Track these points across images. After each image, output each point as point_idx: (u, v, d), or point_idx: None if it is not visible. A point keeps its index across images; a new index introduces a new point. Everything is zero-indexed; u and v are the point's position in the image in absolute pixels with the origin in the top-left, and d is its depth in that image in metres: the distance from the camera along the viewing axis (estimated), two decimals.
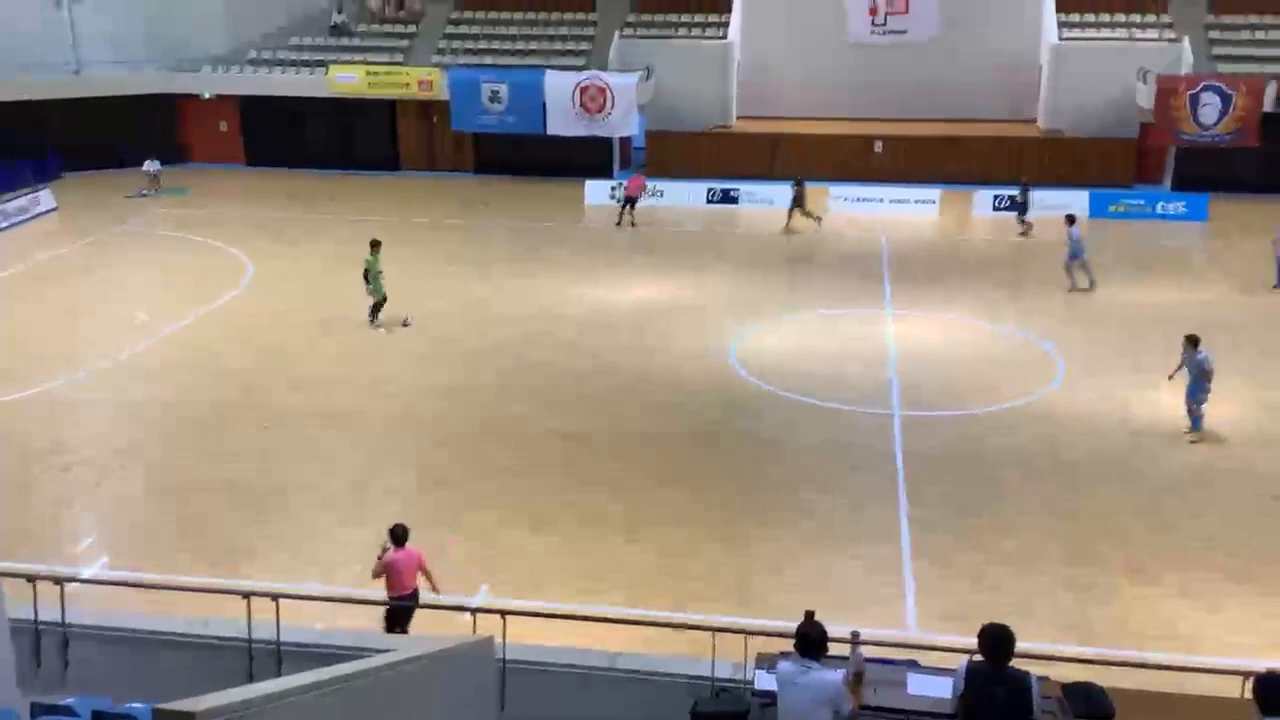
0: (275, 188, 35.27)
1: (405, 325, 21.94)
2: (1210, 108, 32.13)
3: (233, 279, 25.49)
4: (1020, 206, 29.78)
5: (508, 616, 8.90)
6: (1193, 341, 17.00)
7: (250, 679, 8.57)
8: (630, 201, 30.44)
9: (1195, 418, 16.98)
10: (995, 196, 31.86)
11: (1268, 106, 31.93)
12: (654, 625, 11.04)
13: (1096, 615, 12.55)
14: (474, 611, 10.11)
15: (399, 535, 11.30)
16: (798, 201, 29.78)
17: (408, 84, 36.26)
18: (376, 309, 22.10)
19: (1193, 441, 16.77)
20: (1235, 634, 12.14)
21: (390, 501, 14.96)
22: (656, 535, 14.23)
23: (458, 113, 35.46)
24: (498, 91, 34.92)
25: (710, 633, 8.65)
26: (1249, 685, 6.73)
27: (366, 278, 22.04)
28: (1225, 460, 16.35)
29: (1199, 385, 16.88)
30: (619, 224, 30.28)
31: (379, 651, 6.27)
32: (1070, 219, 25.17)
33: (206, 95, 37.89)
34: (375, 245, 22.09)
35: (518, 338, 21.63)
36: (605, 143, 35.49)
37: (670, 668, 8.69)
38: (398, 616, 11.27)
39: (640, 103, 34.78)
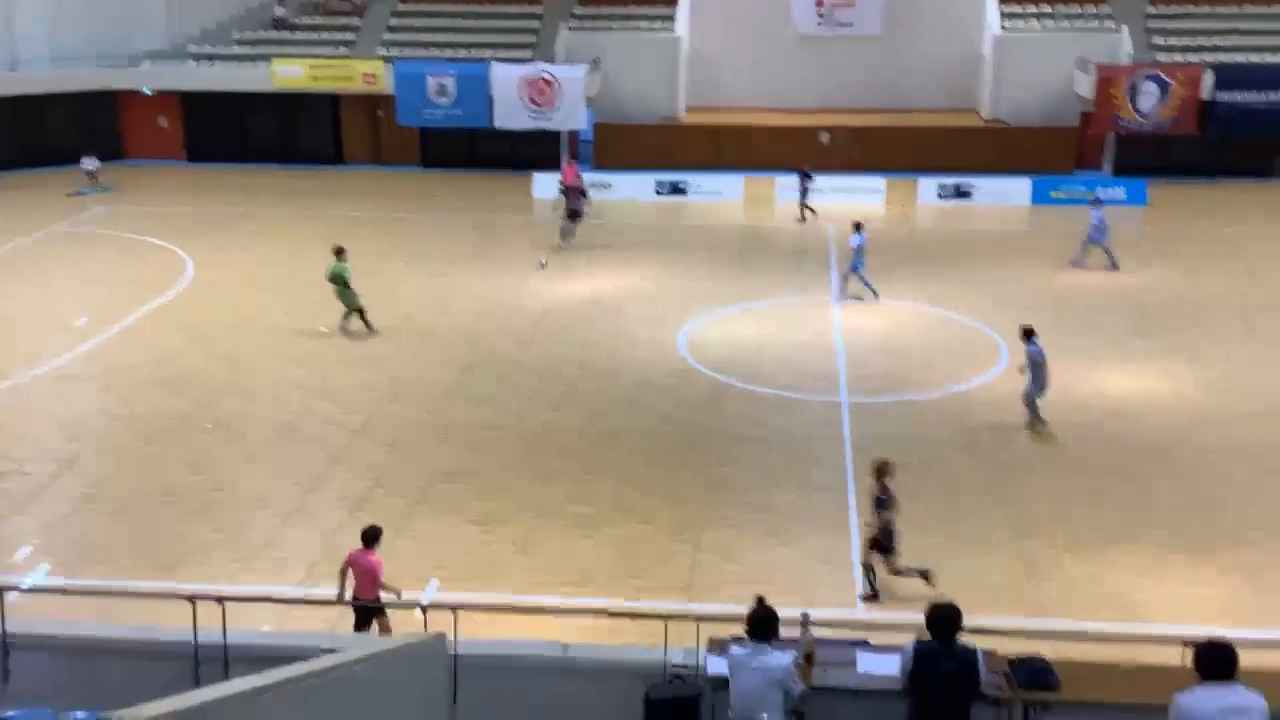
0: (217, 184, 34.76)
1: (542, 266, 22.03)
2: (1149, 96, 32.68)
3: (173, 278, 25.09)
4: (802, 193, 30.01)
5: (459, 611, 8.87)
6: (1025, 334, 16.89)
7: (196, 684, 8.45)
8: (571, 190, 30.42)
9: (1031, 409, 16.82)
10: (940, 185, 32.20)
11: (1204, 94, 32.53)
12: (606, 615, 11.07)
13: (1041, 590, 12.78)
14: (425, 608, 10.08)
15: (365, 536, 11.17)
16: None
17: (352, 77, 35.87)
18: (362, 315, 21.18)
19: (1030, 428, 16.73)
20: (1175, 603, 12.43)
21: (340, 503, 14.85)
22: (608, 527, 14.25)
23: (403, 106, 35.16)
24: (444, 84, 34.67)
25: (662, 621, 8.69)
26: (1189, 652, 6.88)
27: (336, 283, 20.96)
28: (1166, 438, 16.68)
29: (1034, 377, 16.73)
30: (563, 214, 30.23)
31: (328, 652, 6.21)
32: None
33: (146, 91, 37.25)
34: (340, 252, 21.11)
35: (470, 334, 21.51)
36: (553, 136, 35.37)
37: (623, 656, 8.72)
38: (359, 618, 11.19)
39: (588, 95, 34.71)
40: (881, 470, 12.53)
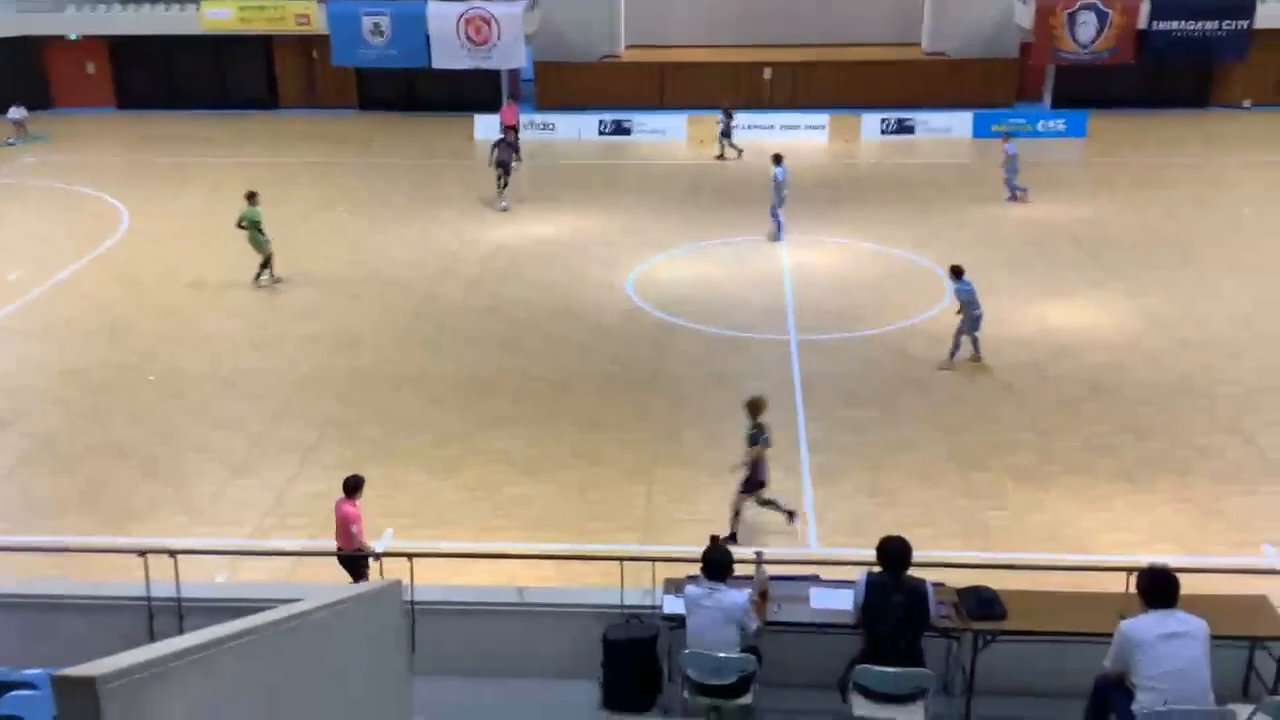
0: (149, 131, 33.87)
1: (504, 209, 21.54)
2: (1088, 26, 32.82)
3: (108, 229, 24.49)
4: (724, 131, 29.97)
5: (415, 559, 8.87)
6: (954, 272, 16.97)
7: (152, 638, 8.40)
8: (509, 131, 30.08)
9: (957, 346, 16.92)
10: (883, 120, 32.22)
11: (1142, 23, 32.73)
12: (562, 559, 11.13)
13: (989, 522, 13.03)
14: (379, 556, 10.06)
15: (345, 485, 10.92)
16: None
17: (284, 18, 34.97)
18: (265, 265, 20.76)
19: (941, 368, 16.81)
20: (1117, 532, 12.73)
21: (288, 454, 14.71)
22: (561, 471, 14.28)
23: (338, 47, 34.37)
24: (379, 24, 33.91)
25: (618, 562, 8.74)
26: (1132, 580, 7.07)
27: (245, 228, 20.40)
28: (1108, 369, 16.99)
29: (966, 314, 16.78)
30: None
31: (283, 602, 6.19)
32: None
33: (73, 36, 36.03)
34: (251, 197, 20.49)
35: (415, 281, 21.28)
36: (494, 75, 34.82)
37: (579, 598, 8.78)
38: (347, 569, 10.88)
39: (527, 32, 34.15)
40: (755, 407, 12.54)
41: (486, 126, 32.01)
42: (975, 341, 17.03)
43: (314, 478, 13.94)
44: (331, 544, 10.95)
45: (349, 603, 6.97)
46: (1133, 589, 6.96)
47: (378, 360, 17.78)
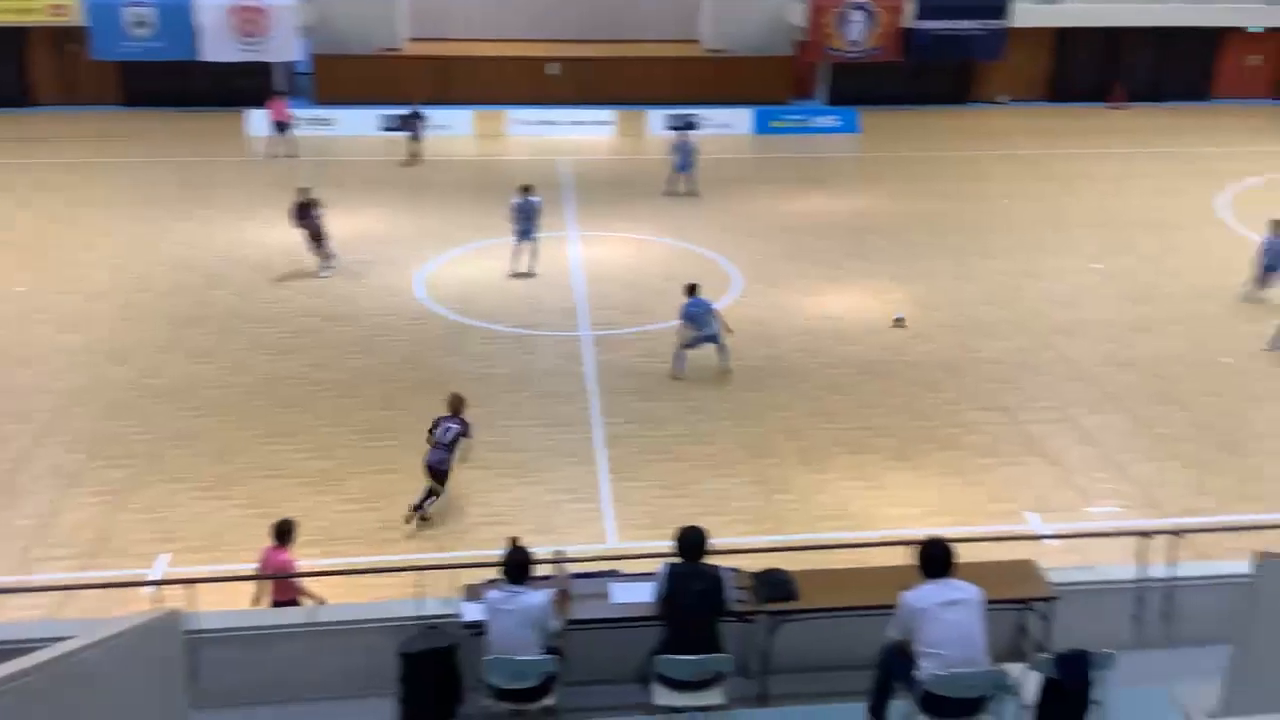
0: None
1: (898, 322, 18.72)
2: (857, 24, 34.27)
3: None
4: (412, 133, 28.73)
5: (194, 585, 8.37)
6: (687, 289, 16.87)
7: None
8: (280, 128, 29.05)
9: (678, 357, 16.80)
10: (667, 116, 32.75)
11: (906, 22, 34.42)
12: (354, 573, 10.77)
13: (779, 505, 13.45)
14: (156, 584, 9.46)
15: (276, 531, 10.28)
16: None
17: (36, 9, 32.42)
18: None
19: (675, 378, 16.76)
20: (896, 507, 13.39)
21: (53, 478, 13.69)
22: (352, 482, 13.85)
23: (98, 39, 32.17)
24: (143, 15, 31.94)
25: (415, 572, 8.52)
26: (912, 553, 7.40)
27: None
28: (883, 354, 17.82)
29: (688, 331, 16.73)
30: (275, 155, 28.87)
31: (50, 642, 5.71)
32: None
33: None
34: None
35: (186, 286, 20.18)
36: (267, 68, 33.42)
37: (374, 614, 8.48)
38: None
39: (302, 24, 32.94)
40: (458, 404, 13.18)
41: (261, 122, 30.70)
42: (721, 350, 16.83)
43: (81, 504, 13.00)
44: (102, 575, 10.26)
45: (122, 638, 6.53)
46: (913, 561, 7.28)
47: (147, 372, 16.77)
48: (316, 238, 20.61)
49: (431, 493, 13.01)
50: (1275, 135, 33.05)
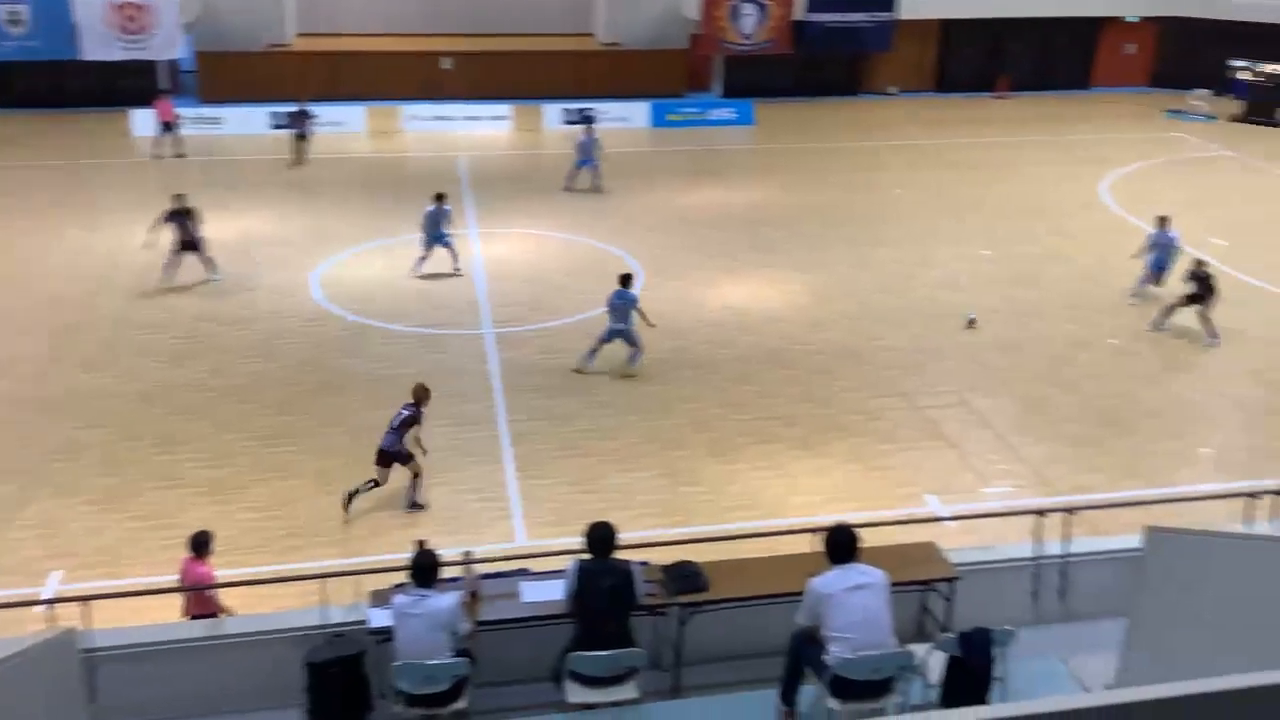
0: None
1: (970, 323, 18.65)
2: (749, 17, 34.61)
3: None
4: (298, 133, 27.86)
5: (90, 602, 8.08)
6: (620, 280, 16.91)
7: None
8: (167, 128, 28.23)
9: (591, 351, 16.66)
10: (565, 110, 32.65)
11: (798, 15, 34.87)
12: (257, 583, 10.52)
13: (688, 497, 13.52)
14: (49, 603, 9.12)
15: (193, 544, 10.01)
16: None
17: None
18: None
19: (575, 370, 16.63)
20: (802, 495, 13.58)
21: None
22: (248, 488, 13.52)
23: None
24: (16, 12, 30.64)
25: (319, 580, 8.35)
26: (818, 540, 7.51)
27: None
28: (785, 343, 18.04)
29: (612, 323, 16.67)
30: (162, 156, 28.04)
31: None
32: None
33: None
34: None
35: (71, 294, 19.46)
36: (151, 66, 32.38)
37: (278, 624, 8.29)
38: None
39: (185, 20, 31.99)
40: (420, 393, 13.28)
41: (145, 122, 29.74)
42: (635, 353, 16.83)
43: None
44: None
45: (15, 660, 6.29)
46: (819, 548, 7.39)
47: (30, 383, 16.14)
48: (191, 247, 19.81)
49: (374, 481, 13.02)
50: (1152, 121, 34.35)
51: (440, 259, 20.63)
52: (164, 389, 16.04)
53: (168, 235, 19.75)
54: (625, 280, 16.92)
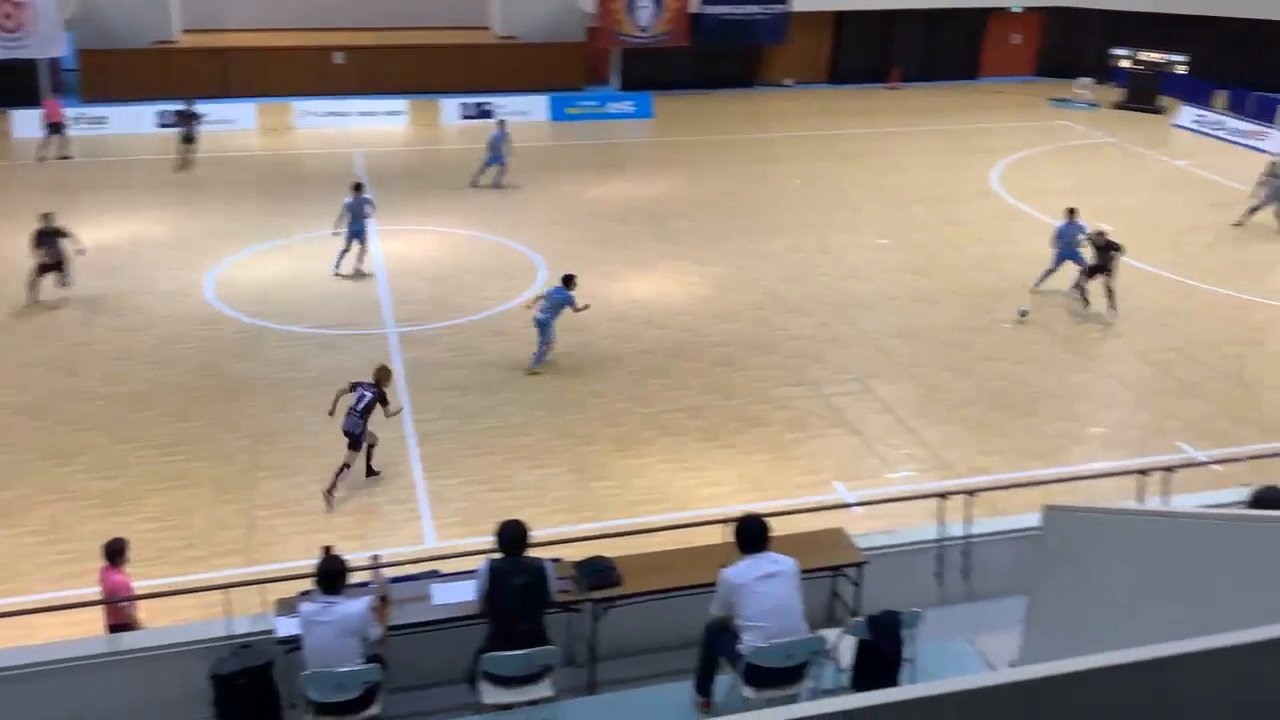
0: None
1: (1023, 316, 18.80)
2: (645, 10, 34.67)
3: None
4: (185, 135, 26.96)
5: None
6: (564, 280, 16.77)
7: None
8: (55, 129, 27.20)
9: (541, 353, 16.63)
10: (462, 105, 32.34)
11: (693, 7, 35.04)
12: (158, 596, 10.21)
13: (598, 493, 13.52)
14: None
15: (108, 551, 9.86)
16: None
17: None
18: None
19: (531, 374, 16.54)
20: (711, 486, 13.67)
21: None
22: (145, 499, 13.12)
23: None
24: None
25: (222, 590, 8.15)
26: (728, 530, 7.58)
27: None
28: (689, 335, 18.14)
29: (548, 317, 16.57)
30: (47, 158, 27.02)
31: None
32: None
33: None
34: None
35: None
36: (31, 65, 31.14)
37: (181, 637, 8.07)
38: None
39: (65, 17, 30.82)
40: (381, 374, 13.39)
41: (28, 123, 28.60)
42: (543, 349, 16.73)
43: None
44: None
45: None
46: (730, 538, 7.45)
47: None
48: (56, 266, 18.91)
49: (345, 465, 13.04)
50: (1038, 110, 35.37)
51: (351, 257, 20.21)
52: (55, 399, 15.47)
53: (36, 256, 18.80)
54: (567, 280, 16.77)
